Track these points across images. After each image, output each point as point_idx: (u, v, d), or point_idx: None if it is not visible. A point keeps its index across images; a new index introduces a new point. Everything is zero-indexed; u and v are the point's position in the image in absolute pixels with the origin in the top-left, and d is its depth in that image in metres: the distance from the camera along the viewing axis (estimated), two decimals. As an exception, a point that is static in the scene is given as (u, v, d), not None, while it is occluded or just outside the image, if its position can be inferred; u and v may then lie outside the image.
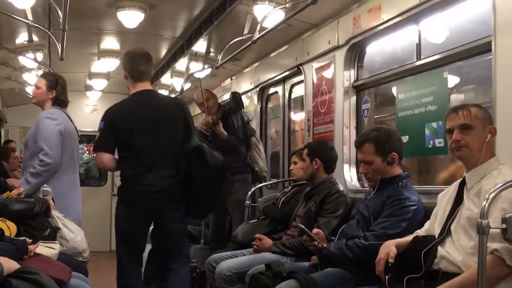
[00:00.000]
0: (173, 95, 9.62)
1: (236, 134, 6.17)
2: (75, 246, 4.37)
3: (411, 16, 4.47)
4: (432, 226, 3.24)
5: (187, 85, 8.66)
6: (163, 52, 8.22)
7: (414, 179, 4.81)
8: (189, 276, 5.20)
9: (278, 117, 7.39)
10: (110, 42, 7.94)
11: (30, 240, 3.69)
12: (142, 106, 4.47)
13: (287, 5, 5.21)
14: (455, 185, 3.16)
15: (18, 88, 9.92)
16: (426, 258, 3.03)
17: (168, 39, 7.59)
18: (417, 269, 3.02)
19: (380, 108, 5.64)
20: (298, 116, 7.04)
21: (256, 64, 7.64)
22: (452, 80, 4.45)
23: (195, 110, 9.41)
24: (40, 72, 7.94)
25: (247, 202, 5.91)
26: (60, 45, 5.86)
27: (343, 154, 5.31)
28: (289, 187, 5.69)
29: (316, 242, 3.95)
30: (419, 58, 4.52)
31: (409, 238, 3.28)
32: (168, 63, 8.38)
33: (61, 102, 5.21)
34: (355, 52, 5.36)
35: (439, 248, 2.99)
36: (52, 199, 4.51)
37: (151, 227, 4.64)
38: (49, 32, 6.08)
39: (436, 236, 3.08)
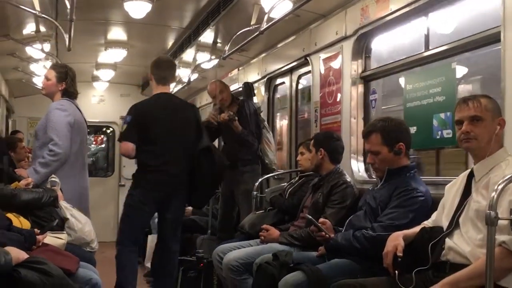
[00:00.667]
0: (180, 86, 9.64)
1: (249, 126, 6.21)
2: (83, 236, 4.39)
3: (420, 7, 4.44)
4: (439, 217, 3.23)
5: (194, 76, 8.65)
6: (170, 42, 8.20)
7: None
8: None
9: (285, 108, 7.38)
10: (117, 33, 7.93)
11: (38, 231, 3.71)
12: (163, 106, 5.19)
13: (295, -5, 5.19)
14: (462, 177, 3.14)
15: (25, 79, 9.94)
16: (433, 250, 3.03)
17: (175, 29, 7.57)
18: (425, 261, 3.02)
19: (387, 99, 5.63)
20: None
21: (264, 54, 7.62)
22: (461, 71, 4.43)
23: (203, 100, 9.45)
24: (48, 63, 7.98)
25: (255, 192, 5.92)
26: (67, 36, 5.87)
27: (350, 145, 5.30)
28: (296, 178, 5.68)
29: (323, 233, 3.95)
30: (427, 49, 4.50)
31: (416, 229, 3.27)
32: (175, 53, 8.36)
33: (70, 93, 5.25)
34: (363, 43, 5.33)
35: (447, 239, 2.99)
36: (60, 189, 4.53)
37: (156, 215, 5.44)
38: (56, 23, 6.08)
39: (444, 229, 3.07)
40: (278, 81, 7.55)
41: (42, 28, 6.95)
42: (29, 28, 6.97)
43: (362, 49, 5.35)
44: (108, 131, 12.53)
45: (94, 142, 12.76)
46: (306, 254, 4.29)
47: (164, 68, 5.30)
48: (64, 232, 4.13)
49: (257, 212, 5.50)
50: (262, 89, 7.70)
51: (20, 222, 3.77)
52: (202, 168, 5.13)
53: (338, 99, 5.57)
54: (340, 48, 5.53)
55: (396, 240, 3.19)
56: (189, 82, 8.79)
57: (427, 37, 4.51)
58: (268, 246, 4.63)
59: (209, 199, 6.41)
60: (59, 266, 3.15)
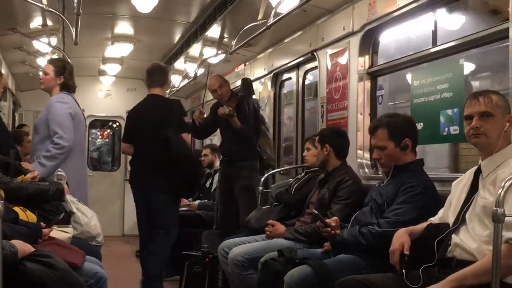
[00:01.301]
0: (186, 81, 9.64)
1: (248, 122, 6.20)
2: (88, 230, 4.39)
3: (427, 2, 4.42)
4: (446, 214, 3.22)
5: (201, 71, 8.65)
6: (177, 37, 8.20)
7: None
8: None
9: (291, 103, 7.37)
10: (124, 27, 7.94)
11: (44, 224, 3.72)
12: (146, 107, 5.82)
13: (302, -10, 5.17)
14: (470, 173, 3.13)
15: (32, 73, 9.94)
16: (439, 246, 3.02)
17: (182, 24, 7.56)
18: (431, 257, 3.01)
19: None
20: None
21: (270, 50, 7.61)
22: (468, 67, 4.41)
23: (209, 95, 9.41)
24: (55, 57, 7.97)
25: (260, 188, 5.92)
26: (74, 30, 5.87)
27: (357, 141, 5.29)
28: (302, 174, 5.68)
29: (329, 228, 3.95)
30: (435, 45, 4.48)
31: (422, 225, 3.26)
32: (182, 48, 8.36)
33: (69, 87, 5.24)
34: (370, 38, 5.31)
35: (453, 236, 2.98)
36: (67, 183, 4.53)
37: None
38: (63, 17, 6.09)
39: (450, 225, 3.06)
40: (285, 76, 7.54)
41: (49, 22, 6.96)
42: (36, 22, 6.98)
43: (369, 45, 5.34)
44: (115, 125, 12.54)
45: (100, 137, 12.77)
46: (312, 251, 4.28)
47: (154, 73, 5.89)
48: (70, 226, 4.13)
49: (262, 208, 5.50)
50: (269, 84, 7.69)
51: (27, 215, 3.77)
52: (167, 157, 5.50)
53: (345, 95, 5.56)
54: (347, 43, 5.52)
55: (402, 238, 3.17)
56: (195, 77, 8.79)
57: (434, 33, 4.50)
58: (273, 241, 4.63)
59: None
60: (65, 260, 3.15)
